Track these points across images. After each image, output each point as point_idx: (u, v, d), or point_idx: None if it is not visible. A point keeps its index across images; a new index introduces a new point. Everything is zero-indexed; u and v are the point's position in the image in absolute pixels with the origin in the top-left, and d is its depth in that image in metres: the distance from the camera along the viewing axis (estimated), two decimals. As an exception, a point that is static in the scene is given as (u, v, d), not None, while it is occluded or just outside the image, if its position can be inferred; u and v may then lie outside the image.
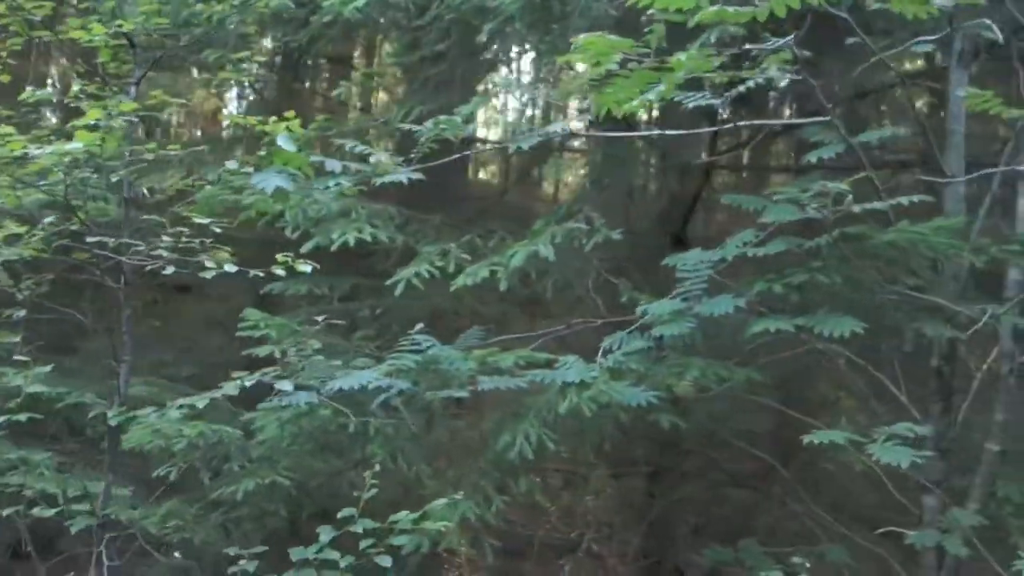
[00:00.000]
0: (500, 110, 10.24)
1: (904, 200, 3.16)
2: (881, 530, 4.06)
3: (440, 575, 5.35)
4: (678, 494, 6.08)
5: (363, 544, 2.92)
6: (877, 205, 3.14)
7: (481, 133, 9.67)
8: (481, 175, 13.71)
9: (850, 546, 4.45)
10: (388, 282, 4.06)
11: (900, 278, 3.57)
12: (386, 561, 2.86)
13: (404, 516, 3.08)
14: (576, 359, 3.58)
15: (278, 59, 8.03)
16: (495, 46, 4.15)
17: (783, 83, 2.70)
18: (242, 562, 3.03)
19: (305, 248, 4.05)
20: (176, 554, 3.96)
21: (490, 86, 3.29)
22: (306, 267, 3.48)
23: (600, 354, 3.62)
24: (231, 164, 3.37)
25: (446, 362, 3.64)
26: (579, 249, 4.05)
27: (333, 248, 4.01)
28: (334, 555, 2.84)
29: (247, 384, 3.50)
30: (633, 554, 5.67)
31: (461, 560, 5.50)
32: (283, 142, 2.60)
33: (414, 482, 3.92)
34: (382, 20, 4.53)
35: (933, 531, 3.72)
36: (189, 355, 7.01)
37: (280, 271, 3.51)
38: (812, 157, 3.39)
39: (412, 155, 2.90)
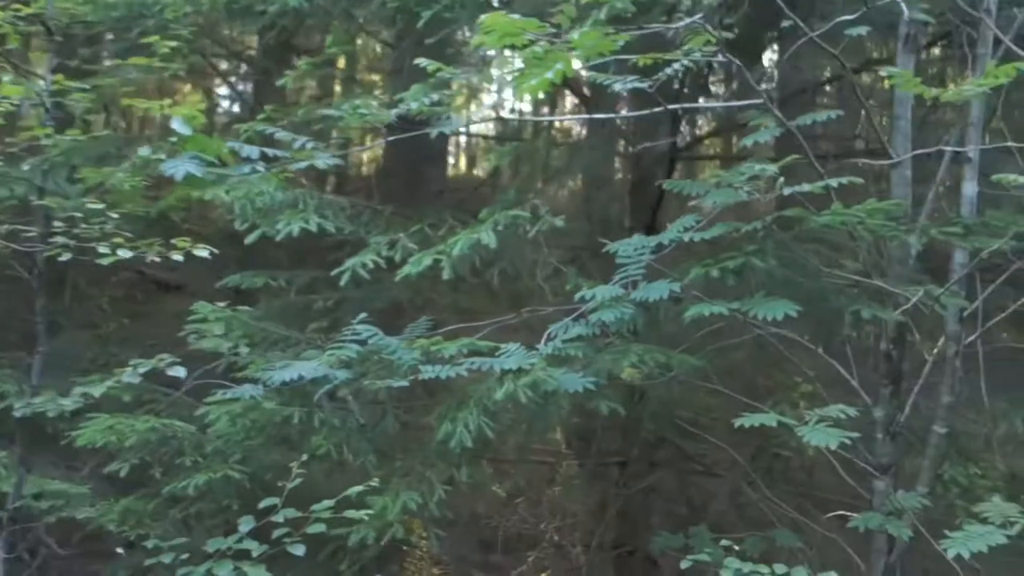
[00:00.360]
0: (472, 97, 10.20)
1: (833, 182, 3.15)
2: (830, 515, 4.07)
3: (400, 569, 5.33)
4: (648, 483, 6.07)
5: (277, 533, 2.91)
6: (805, 187, 3.13)
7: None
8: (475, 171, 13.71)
9: (807, 531, 4.46)
10: (334, 272, 4.04)
11: (843, 262, 3.57)
12: (298, 550, 2.85)
13: (323, 506, 3.06)
14: (518, 347, 3.56)
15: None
16: (444, 32, 4.12)
17: (710, 65, 2.68)
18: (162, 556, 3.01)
19: (249, 239, 4.04)
20: (119, 549, 3.94)
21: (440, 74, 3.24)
22: (203, 251, 3.50)
23: (543, 341, 3.62)
24: (144, 151, 3.35)
25: (388, 352, 3.63)
26: (534, 239, 4.05)
27: (278, 239, 3.99)
28: (252, 544, 2.83)
29: (140, 372, 3.51)
30: (600, 543, 5.65)
31: (423, 553, 5.48)
32: (178, 126, 2.59)
33: (359, 474, 3.91)
34: (331, 10, 4.50)
35: (877, 514, 3.72)
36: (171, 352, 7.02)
37: (178, 256, 3.51)
38: (748, 141, 3.38)
39: (333, 141, 2.89)
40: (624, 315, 3.42)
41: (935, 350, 4.21)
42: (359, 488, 3.22)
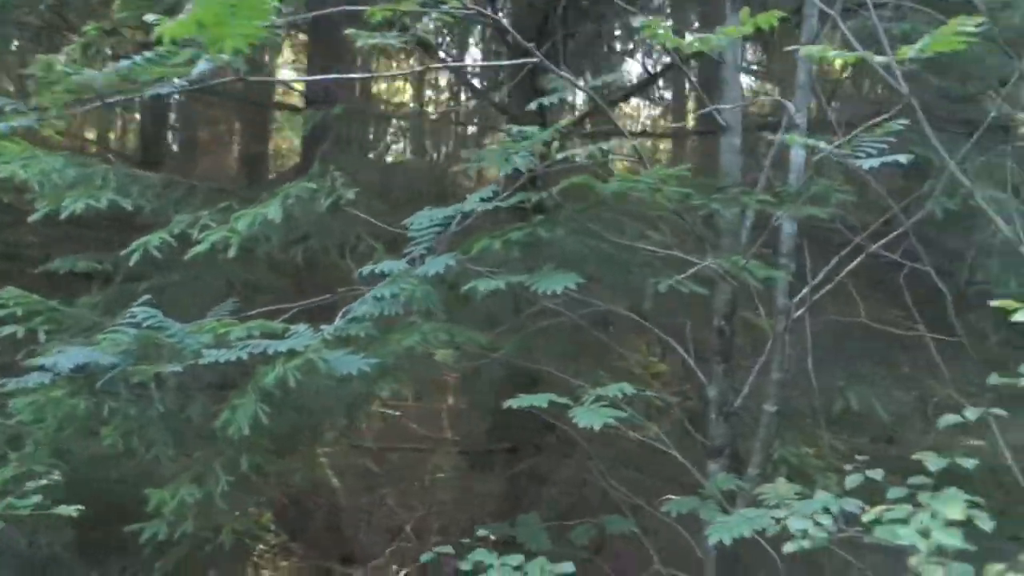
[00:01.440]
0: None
1: (604, 146, 2.95)
2: (661, 499, 3.90)
3: (244, 567, 5.11)
4: (520, 469, 5.90)
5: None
6: (577, 151, 2.92)
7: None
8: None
9: (646, 516, 4.29)
10: (123, 252, 3.78)
11: (649, 233, 3.38)
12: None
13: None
14: (307, 328, 3.34)
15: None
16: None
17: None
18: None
19: (33, 218, 3.77)
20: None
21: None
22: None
23: (337, 320, 3.40)
24: None
25: (169, 336, 3.38)
26: (352, 216, 3.83)
27: (63, 216, 3.73)
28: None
29: None
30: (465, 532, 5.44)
31: (275, 548, 5.26)
32: None
33: (153, 465, 3.67)
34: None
35: (691, 499, 3.56)
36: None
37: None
38: (535, 105, 3.17)
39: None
40: (411, 292, 3.20)
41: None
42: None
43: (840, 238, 3.80)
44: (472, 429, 6.76)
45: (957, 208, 3.71)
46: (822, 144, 2.96)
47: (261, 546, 5.24)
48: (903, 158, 2.58)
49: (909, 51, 2.08)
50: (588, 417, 2.75)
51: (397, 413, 6.42)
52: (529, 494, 6.15)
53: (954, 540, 1.97)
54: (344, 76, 4.51)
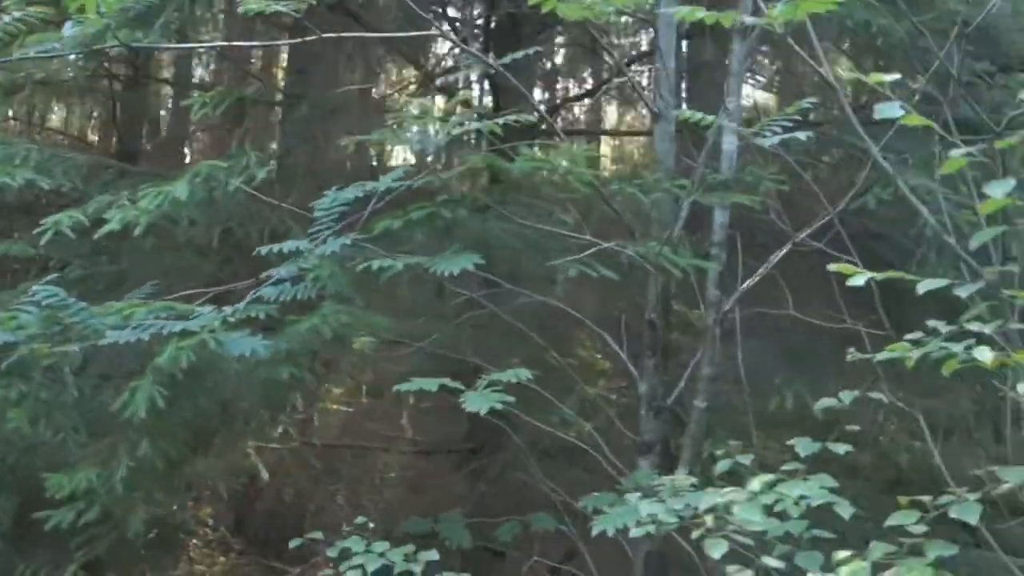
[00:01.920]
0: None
1: (510, 118, 2.84)
2: (585, 496, 3.78)
3: (177, 561, 5.01)
4: (474, 469, 5.78)
5: None
6: (475, 124, 2.83)
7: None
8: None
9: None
10: (36, 231, 3.71)
11: (563, 218, 3.28)
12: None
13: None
14: (211, 309, 3.25)
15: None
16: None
17: None
18: None
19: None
20: None
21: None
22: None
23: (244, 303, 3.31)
24: None
25: (71, 316, 3.30)
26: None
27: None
28: None
29: None
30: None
31: (212, 543, 5.16)
32: None
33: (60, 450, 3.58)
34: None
35: (607, 494, 3.44)
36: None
37: None
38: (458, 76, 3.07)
39: None
40: (318, 273, 3.11)
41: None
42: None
43: (772, 229, 3.70)
44: (434, 428, 6.65)
45: (890, 198, 3.58)
46: (729, 126, 2.86)
47: (196, 541, 5.14)
48: (803, 135, 2.48)
49: (779, 13, 1.97)
50: (476, 402, 2.64)
51: (351, 409, 6.32)
52: (484, 493, 6.04)
53: (799, 527, 1.89)
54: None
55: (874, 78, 1.70)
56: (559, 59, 8.07)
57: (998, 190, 1.65)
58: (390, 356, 4.22)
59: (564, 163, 2.90)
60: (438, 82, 6.09)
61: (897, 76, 1.75)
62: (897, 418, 3.91)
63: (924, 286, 1.77)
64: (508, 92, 5.29)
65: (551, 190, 3.30)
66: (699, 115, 2.84)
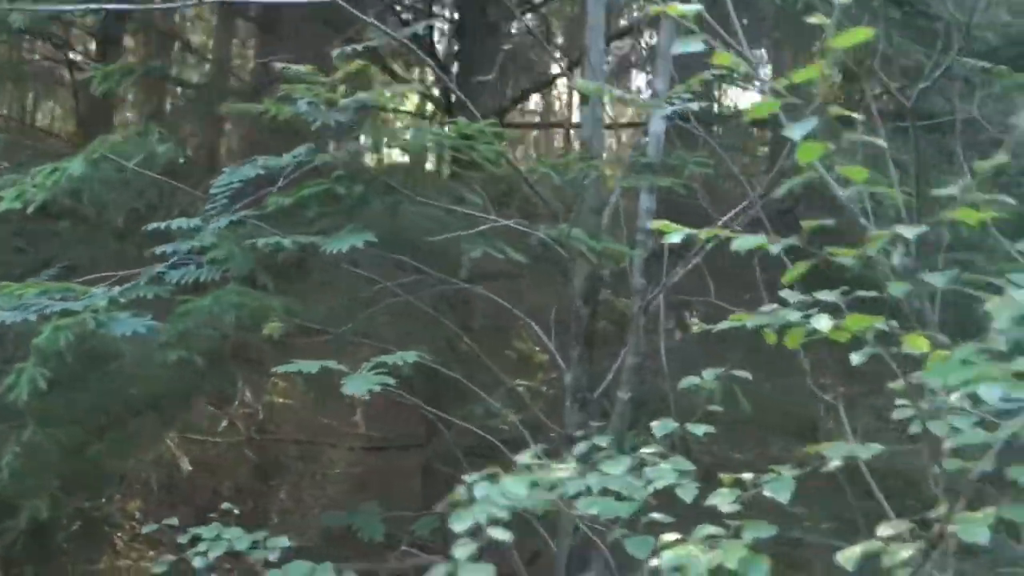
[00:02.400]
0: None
1: (400, 89, 2.72)
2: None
3: (100, 554, 4.87)
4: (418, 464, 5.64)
5: None
6: (362, 97, 2.69)
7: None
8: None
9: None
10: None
11: (470, 197, 3.15)
12: None
13: None
14: (105, 289, 3.12)
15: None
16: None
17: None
18: None
19: None
20: None
21: None
22: None
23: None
24: None
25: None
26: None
27: None
28: None
29: None
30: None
31: (139, 536, 5.02)
32: None
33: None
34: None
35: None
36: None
37: None
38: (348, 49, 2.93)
39: None
40: (215, 252, 2.99)
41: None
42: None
43: (699, 214, 3.56)
44: (389, 424, 6.51)
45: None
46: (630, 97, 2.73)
47: (121, 535, 5.01)
48: (695, 106, 2.35)
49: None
50: (356, 384, 2.51)
51: (289, 402, 6.18)
52: (426, 488, 5.91)
53: (628, 509, 1.81)
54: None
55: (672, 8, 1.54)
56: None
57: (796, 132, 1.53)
58: (311, 344, 4.09)
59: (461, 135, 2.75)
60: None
61: (699, 7, 1.60)
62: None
63: (738, 244, 1.66)
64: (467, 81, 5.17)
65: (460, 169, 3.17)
66: (592, 85, 2.70)
